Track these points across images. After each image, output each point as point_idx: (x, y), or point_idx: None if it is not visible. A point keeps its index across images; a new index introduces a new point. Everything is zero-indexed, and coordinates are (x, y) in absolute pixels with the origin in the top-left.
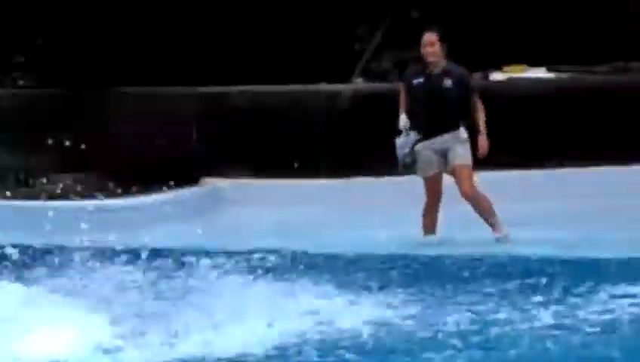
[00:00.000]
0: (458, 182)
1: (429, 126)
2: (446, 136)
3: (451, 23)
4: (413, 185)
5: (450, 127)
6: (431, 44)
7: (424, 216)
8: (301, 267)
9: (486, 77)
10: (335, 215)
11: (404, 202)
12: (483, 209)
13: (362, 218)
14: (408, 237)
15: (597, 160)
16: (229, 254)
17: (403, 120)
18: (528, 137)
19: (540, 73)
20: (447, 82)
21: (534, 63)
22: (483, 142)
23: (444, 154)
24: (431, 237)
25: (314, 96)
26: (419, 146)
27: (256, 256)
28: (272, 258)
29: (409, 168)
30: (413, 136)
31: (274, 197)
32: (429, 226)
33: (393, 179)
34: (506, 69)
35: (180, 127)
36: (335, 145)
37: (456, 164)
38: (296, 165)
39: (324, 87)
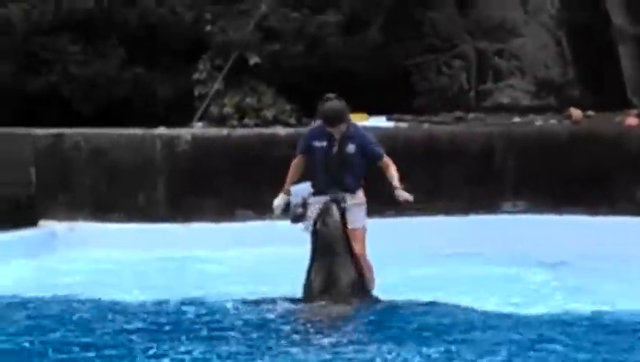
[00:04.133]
0: None
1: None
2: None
3: (292, 70)
4: None
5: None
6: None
7: None
8: None
9: None
10: None
11: None
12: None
13: None
14: None
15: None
16: None
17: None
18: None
19: (381, 122)
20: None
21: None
22: None
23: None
24: None
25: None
26: (312, 199)
27: None
28: None
29: (298, 219)
30: (308, 186)
31: None
32: None
33: None
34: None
35: None
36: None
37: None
38: None
39: (163, 131)
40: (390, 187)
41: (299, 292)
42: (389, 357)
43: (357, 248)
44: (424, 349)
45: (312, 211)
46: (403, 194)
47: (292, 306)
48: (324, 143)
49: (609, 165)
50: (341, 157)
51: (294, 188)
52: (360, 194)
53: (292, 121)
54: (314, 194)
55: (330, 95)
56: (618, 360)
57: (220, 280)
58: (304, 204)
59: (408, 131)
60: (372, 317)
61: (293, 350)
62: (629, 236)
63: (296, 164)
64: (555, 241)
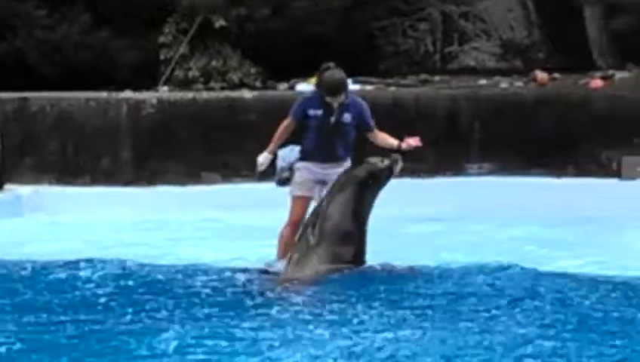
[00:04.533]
0: None
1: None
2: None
3: (257, 34)
4: None
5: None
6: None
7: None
8: None
9: (292, 87)
10: None
11: None
12: None
13: None
14: None
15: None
16: None
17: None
18: None
19: None
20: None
21: None
22: None
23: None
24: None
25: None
26: (298, 164)
27: None
28: None
29: (284, 183)
30: (296, 152)
31: None
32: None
33: None
34: (310, 79)
35: None
36: None
37: None
38: None
39: (129, 95)
40: (392, 148)
41: (268, 256)
42: (365, 317)
43: None
44: (399, 311)
45: (299, 176)
46: (410, 142)
47: (264, 269)
48: (319, 112)
49: (574, 127)
50: (336, 126)
51: (281, 152)
52: (348, 163)
53: (258, 84)
54: (301, 159)
55: (330, 64)
56: None
57: (186, 243)
58: (290, 169)
59: (374, 93)
60: (351, 279)
61: (272, 311)
62: (595, 197)
63: (286, 127)
64: (521, 203)
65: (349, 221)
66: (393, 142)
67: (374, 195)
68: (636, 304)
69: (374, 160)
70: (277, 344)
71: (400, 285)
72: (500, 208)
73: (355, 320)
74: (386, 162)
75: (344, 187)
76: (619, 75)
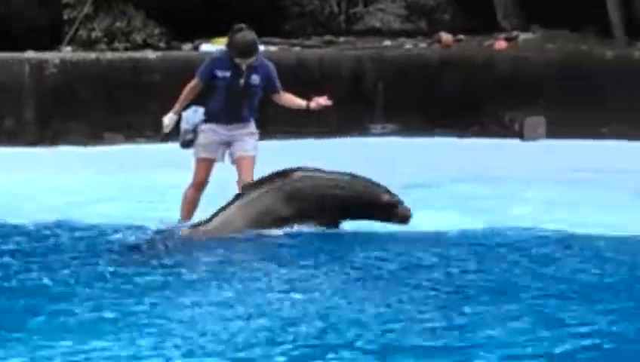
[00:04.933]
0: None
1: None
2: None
3: None
4: None
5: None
6: None
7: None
8: None
9: (196, 48)
10: None
11: None
12: None
13: None
14: None
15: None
16: None
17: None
18: None
19: None
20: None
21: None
22: None
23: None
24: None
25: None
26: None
27: None
28: None
29: (188, 145)
30: (200, 113)
31: None
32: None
33: None
34: (215, 40)
35: None
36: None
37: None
38: None
39: (31, 55)
40: (300, 108)
41: (170, 216)
42: (272, 276)
43: (248, 175)
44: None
45: (203, 138)
46: (320, 101)
47: (166, 228)
48: (228, 73)
49: (479, 88)
50: (245, 88)
51: (185, 114)
52: (253, 125)
53: (162, 44)
54: (206, 121)
55: (242, 25)
56: None
57: (89, 204)
58: (194, 130)
59: (278, 54)
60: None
61: (183, 270)
62: (498, 157)
63: (192, 87)
64: (426, 163)
65: (309, 207)
66: (301, 102)
67: (354, 217)
68: None
69: (405, 208)
70: (180, 302)
71: (325, 245)
72: (405, 168)
73: (261, 280)
74: (404, 212)
75: (336, 188)
76: (523, 36)
